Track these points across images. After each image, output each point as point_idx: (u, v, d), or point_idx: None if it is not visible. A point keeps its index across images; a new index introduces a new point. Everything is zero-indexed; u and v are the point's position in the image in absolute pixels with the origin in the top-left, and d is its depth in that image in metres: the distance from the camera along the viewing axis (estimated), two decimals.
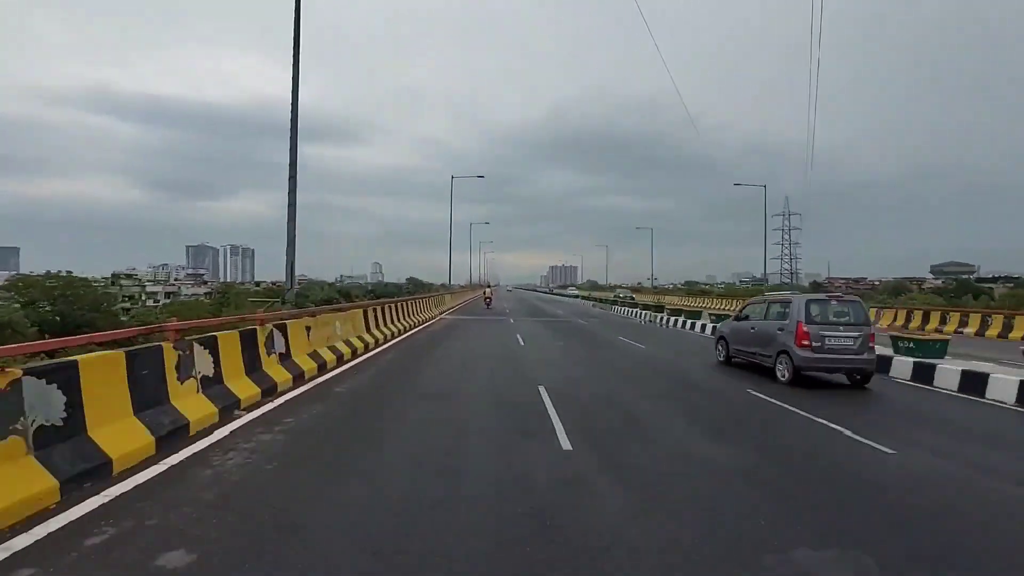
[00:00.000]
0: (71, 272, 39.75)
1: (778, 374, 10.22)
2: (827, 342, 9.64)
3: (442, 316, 27.77)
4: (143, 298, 76.10)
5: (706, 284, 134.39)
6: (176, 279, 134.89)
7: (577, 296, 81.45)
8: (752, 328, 11.43)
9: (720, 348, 12.87)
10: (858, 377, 9.92)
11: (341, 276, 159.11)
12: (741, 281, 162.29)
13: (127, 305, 51.44)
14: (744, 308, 12.41)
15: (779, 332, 10.32)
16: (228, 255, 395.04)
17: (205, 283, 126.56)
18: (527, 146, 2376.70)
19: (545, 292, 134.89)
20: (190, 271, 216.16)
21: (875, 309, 26.80)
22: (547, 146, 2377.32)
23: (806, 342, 9.65)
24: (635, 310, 34.04)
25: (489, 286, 40.16)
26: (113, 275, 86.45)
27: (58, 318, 22.72)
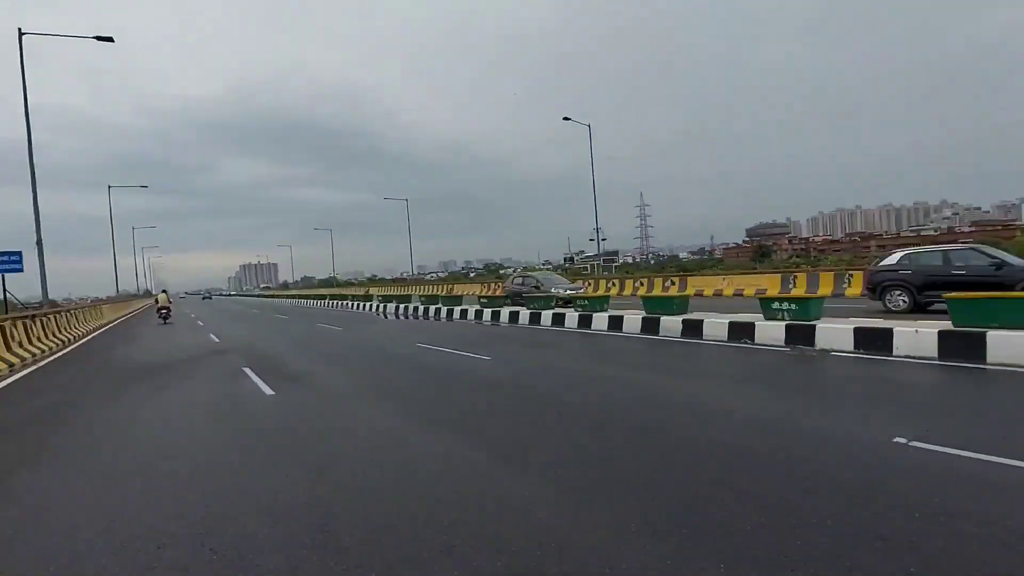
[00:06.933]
0: None
1: None
2: None
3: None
4: None
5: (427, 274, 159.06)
6: None
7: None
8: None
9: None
10: None
11: None
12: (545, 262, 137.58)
13: None
14: None
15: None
16: None
17: None
18: (205, 128, 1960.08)
19: (254, 296, 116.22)
20: None
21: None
22: (233, 129, 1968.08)
23: None
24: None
25: (164, 292, 30.83)
26: None
27: None
